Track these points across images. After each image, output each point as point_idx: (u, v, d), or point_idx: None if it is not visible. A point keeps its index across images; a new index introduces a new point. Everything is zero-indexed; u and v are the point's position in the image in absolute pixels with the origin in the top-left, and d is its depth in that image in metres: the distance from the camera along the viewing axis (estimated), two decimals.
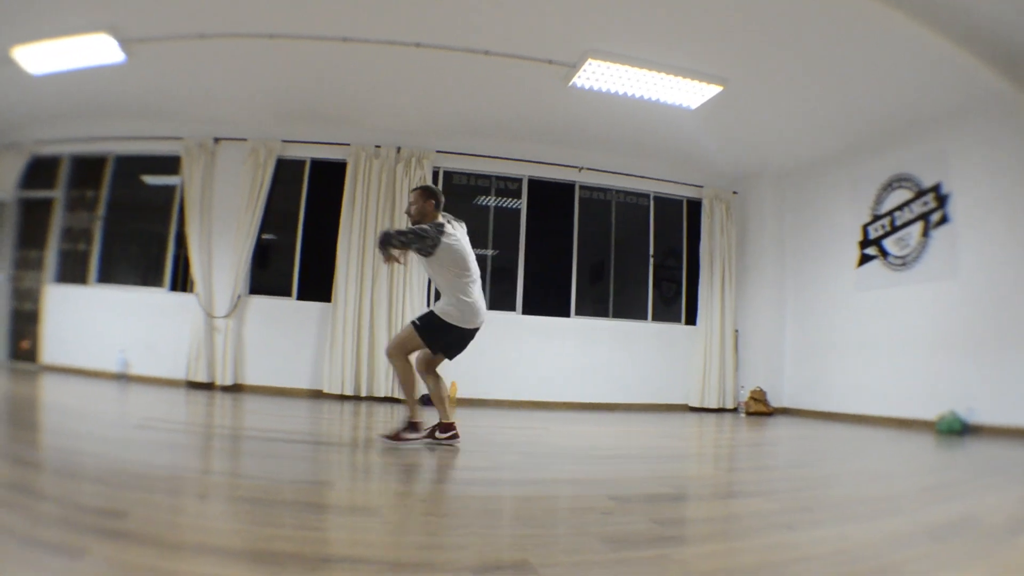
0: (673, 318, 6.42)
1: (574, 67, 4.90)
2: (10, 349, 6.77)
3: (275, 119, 6.12)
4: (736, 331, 6.35)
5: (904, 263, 5.48)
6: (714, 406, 6.19)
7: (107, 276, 6.46)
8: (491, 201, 6.26)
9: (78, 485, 1.89)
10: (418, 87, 5.40)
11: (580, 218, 6.20)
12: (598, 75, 5.00)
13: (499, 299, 6.13)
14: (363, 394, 5.86)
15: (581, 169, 6.13)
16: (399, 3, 4.26)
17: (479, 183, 6.20)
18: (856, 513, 1.97)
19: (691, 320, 6.37)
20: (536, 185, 6.18)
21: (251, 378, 5.94)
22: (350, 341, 5.82)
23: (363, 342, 5.84)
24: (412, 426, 3.05)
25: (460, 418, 4.75)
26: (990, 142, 4.64)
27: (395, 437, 3.01)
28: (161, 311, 6.16)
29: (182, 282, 6.26)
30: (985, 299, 4.59)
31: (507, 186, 6.18)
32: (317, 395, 5.88)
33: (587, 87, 5.14)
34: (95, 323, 6.26)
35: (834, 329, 5.89)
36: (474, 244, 6.05)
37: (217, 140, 6.22)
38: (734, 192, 6.43)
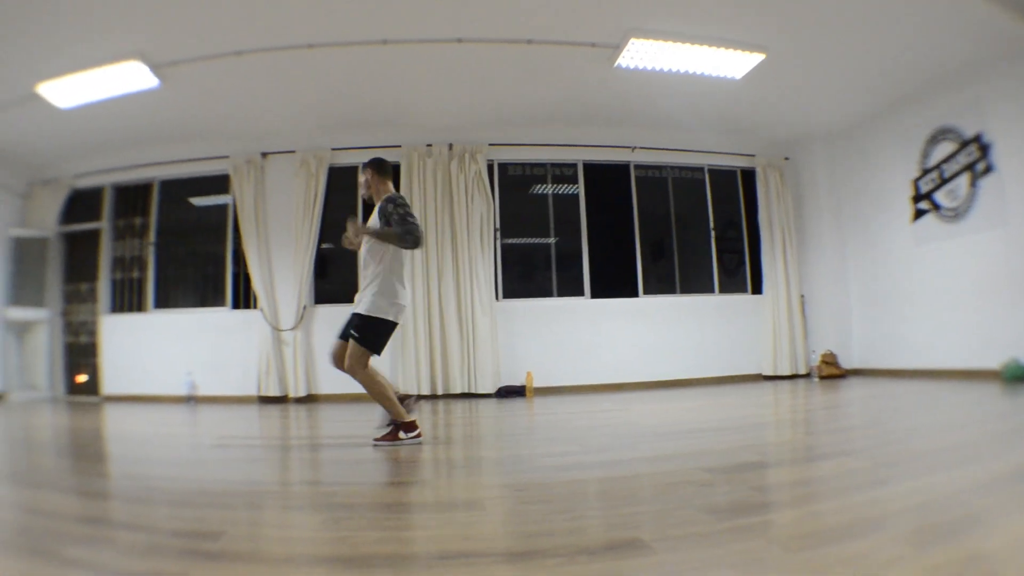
0: (738, 289, 6.41)
1: (617, 48, 4.88)
2: (68, 384, 6.69)
3: (322, 128, 6.09)
4: (802, 296, 6.34)
5: (956, 215, 5.49)
6: (787, 373, 6.17)
7: (164, 301, 6.40)
8: (548, 189, 6.24)
9: (164, 511, 1.84)
10: (464, 82, 5.36)
11: (638, 197, 6.19)
12: (641, 54, 4.98)
13: (566, 285, 6.11)
14: (439, 392, 5.81)
15: (634, 149, 6.12)
16: (436, 0, 4.21)
17: (535, 172, 6.18)
18: (938, 464, 2.01)
19: (757, 289, 6.36)
20: (591, 169, 6.16)
21: (324, 388, 5.89)
22: (423, 340, 5.78)
23: (435, 340, 5.80)
24: (407, 426, 2.91)
25: (540, 407, 4.78)
26: None
27: (391, 437, 2.90)
28: (226, 330, 6.11)
29: (244, 299, 6.20)
30: None
31: (563, 172, 6.17)
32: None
33: (632, 67, 5.12)
34: (157, 349, 6.20)
35: (896, 286, 5.89)
36: (535, 232, 6.18)
37: (265, 155, 6.18)
38: (785, 158, 6.43)
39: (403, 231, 2.80)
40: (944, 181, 5.62)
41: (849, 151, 6.26)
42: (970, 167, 5.31)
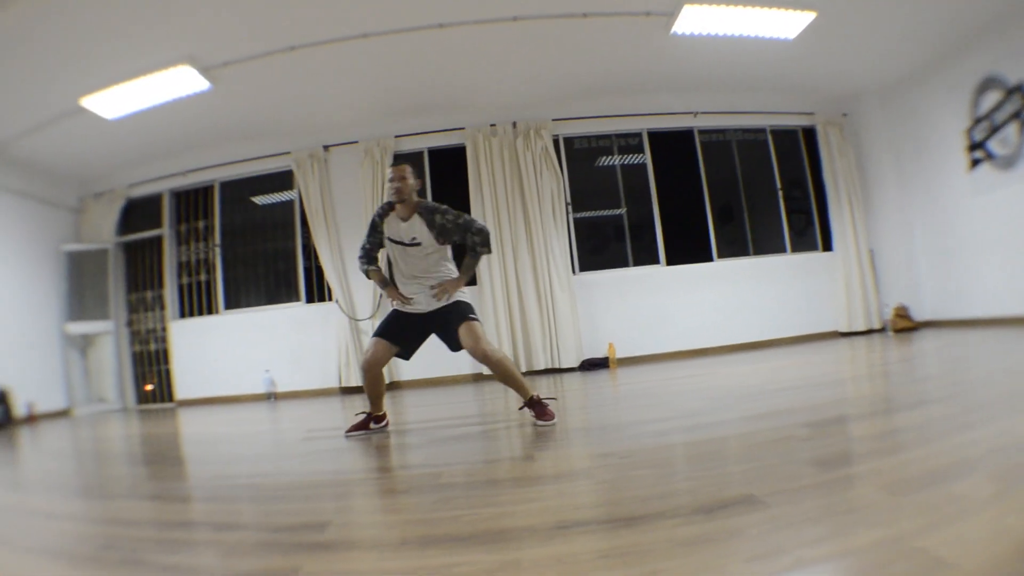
0: (809, 247, 6.41)
1: (671, 15, 4.89)
2: (138, 394, 6.64)
3: (383, 116, 6.07)
4: (871, 251, 6.35)
5: (1011, 162, 5.53)
6: (862, 328, 6.17)
7: (236, 302, 6.36)
8: (615, 160, 6.24)
9: (262, 507, 1.81)
10: (522, 60, 5.34)
11: (704, 162, 6.19)
12: (695, 20, 5.00)
13: (641, 255, 6.11)
14: (523, 370, 5.78)
15: (696, 114, 6.13)
16: None
17: (600, 144, 6.18)
18: (1019, 407, 2.05)
19: (828, 246, 6.36)
20: (656, 137, 6.17)
21: (407, 374, 5.86)
22: (503, 319, 5.76)
23: (515, 318, 5.79)
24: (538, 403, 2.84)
25: (625, 377, 4.76)
26: None
27: (541, 415, 2.80)
28: (302, 324, 6.07)
29: (318, 292, 6.17)
30: None
31: (628, 142, 6.17)
32: (478, 379, 5.80)
33: (687, 33, 5.14)
34: (231, 349, 6.17)
35: (960, 236, 5.90)
36: (605, 204, 6.17)
37: (327, 147, 6.17)
38: (844, 114, 6.45)
39: (480, 241, 2.78)
40: (995, 129, 5.65)
41: (903, 104, 6.29)
42: (1017, 115, 5.35)
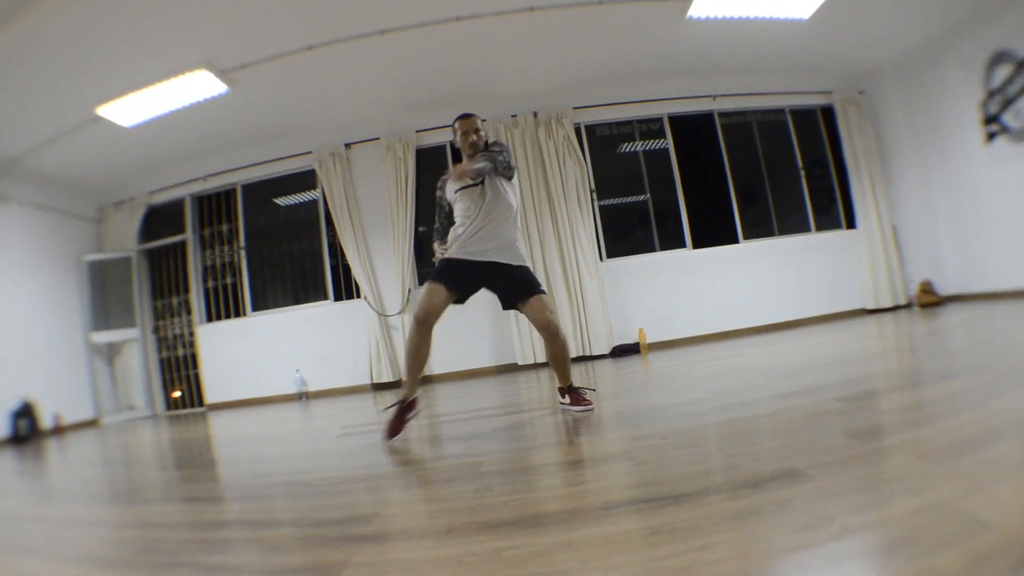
0: (833, 225, 6.42)
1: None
2: (168, 400, 6.63)
3: (404, 112, 6.08)
4: (894, 227, 6.37)
5: None
6: (888, 305, 6.18)
7: (263, 303, 6.37)
8: (638, 146, 6.26)
9: (304, 503, 1.79)
10: (540, 50, 5.36)
11: (726, 145, 6.21)
12: (711, 3, 5.03)
13: (667, 239, 6.12)
14: None
15: (715, 97, 6.15)
16: None
17: (622, 130, 6.20)
18: None
19: (851, 224, 6.38)
20: (677, 121, 6.18)
21: (438, 368, 5.86)
22: None
23: None
24: (576, 390, 2.83)
25: (657, 361, 4.77)
26: None
27: (578, 401, 2.77)
28: (331, 323, 6.08)
29: (346, 290, 6.18)
30: None
31: (649, 128, 6.19)
32: (509, 369, 5.80)
33: (703, 17, 5.16)
34: (261, 351, 6.17)
35: (979, 210, 5.90)
36: (629, 190, 6.18)
37: (348, 145, 6.18)
38: (860, 92, 6.47)
39: (502, 161, 2.75)
40: (1008, 103, 5.68)
41: (918, 79, 6.31)
42: None
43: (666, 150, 6.13)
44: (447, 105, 6.07)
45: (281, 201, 6.50)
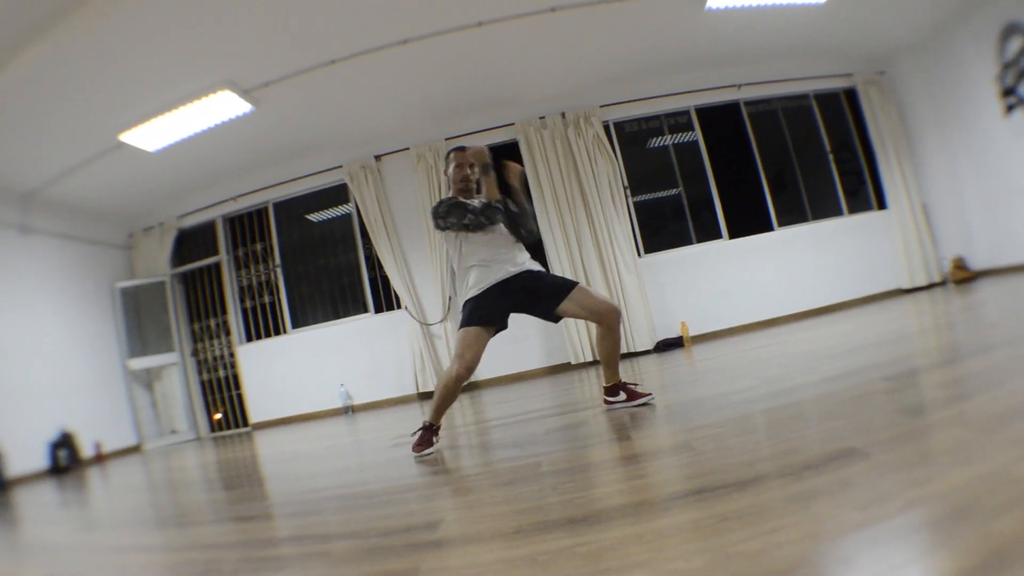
0: (864, 207, 6.46)
1: None
2: (211, 422, 6.66)
3: (431, 120, 6.10)
4: (924, 205, 6.41)
5: None
6: (923, 283, 6.21)
7: (303, 320, 6.39)
8: (667, 140, 6.28)
9: (365, 514, 1.75)
10: (564, 50, 5.37)
11: (754, 133, 6.24)
12: None
13: (702, 231, 6.15)
14: (598, 357, 5.80)
15: (740, 86, 6.18)
16: None
17: (650, 125, 6.23)
18: None
19: (882, 205, 6.41)
20: (704, 113, 6.21)
21: (484, 373, 5.89)
22: None
23: None
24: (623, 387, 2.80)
25: (701, 353, 4.77)
26: None
27: (632, 395, 2.75)
28: (373, 335, 6.11)
29: (386, 301, 6.20)
30: None
31: (677, 121, 6.21)
32: (558, 370, 5.83)
33: (721, 7, 5.18)
34: (303, 367, 6.20)
35: (1005, 182, 5.92)
36: (663, 184, 6.21)
37: (378, 157, 6.20)
38: (881, 72, 6.50)
39: (532, 219, 2.67)
40: (1022, 74, 5.72)
41: (935, 55, 6.32)
42: None
43: (695, 142, 6.16)
44: (475, 111, 6.10)
45: (314, 217, 6.52)
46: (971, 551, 0.83)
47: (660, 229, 6.21)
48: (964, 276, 6.12)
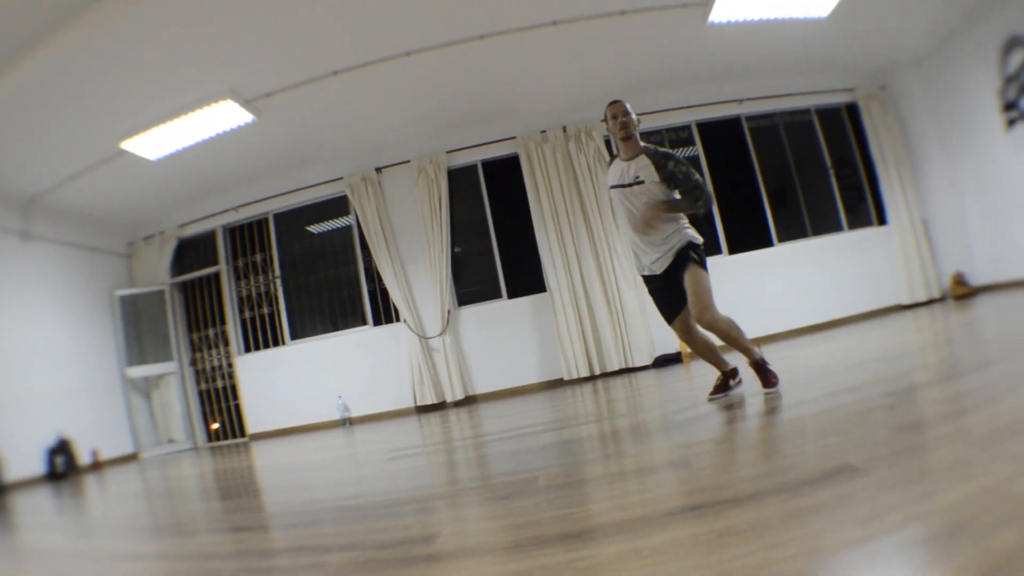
0: (864, 223, 6.45)
1: (707, 5, 4.94)
2: (208, 432, 6.62)
3: (433, 133, 6.12)
4: (924, 221, 6.40)
5: None
6: (923, 299, 6.19)
7: (302, 331, 6.37)
8: None
9: (361, 527, 1.75)
10: (565, 63, 5.40)
11: (755, 148, 6.26)
12: (731, 7, 5.08)
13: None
14: (596, 372, 5.78)
15: (741, 101, 6.21)
16: None
17: (651, 140, 6.23)
18: None
19: (882, 220, 6.40)
20: (705, 127, 6.23)
21: (481, 387, 5.87)
22: (573, 323, 5.77)
23: (585, 321, 5.81)
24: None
25: (700, 368, 4.70)
26: None
27: (767, 382, 2.77)
28: (371, 347, 6.09)
29: (385, 314, 6.18)
30: None
31: (678, 135, 6.24)
32: (553, 385, 5.80)
33: (724, 22, 5.20)
34: (301, 379, 6.18)
35: (1006, 197, 5.91)
36: None
37: (379, 169, 6.22)
38: (882, 87, 6.53)
39: (698, 196, 2.62)
40: None
41: (936, 70, 6.34)
42: None
43: (696, 157, 6.17)
44: (476, 124, 6.12)
45: (314, 228, 6.53)
46: (969, 567, 0.82)
47: None
48: (964, 292, 6.10)
